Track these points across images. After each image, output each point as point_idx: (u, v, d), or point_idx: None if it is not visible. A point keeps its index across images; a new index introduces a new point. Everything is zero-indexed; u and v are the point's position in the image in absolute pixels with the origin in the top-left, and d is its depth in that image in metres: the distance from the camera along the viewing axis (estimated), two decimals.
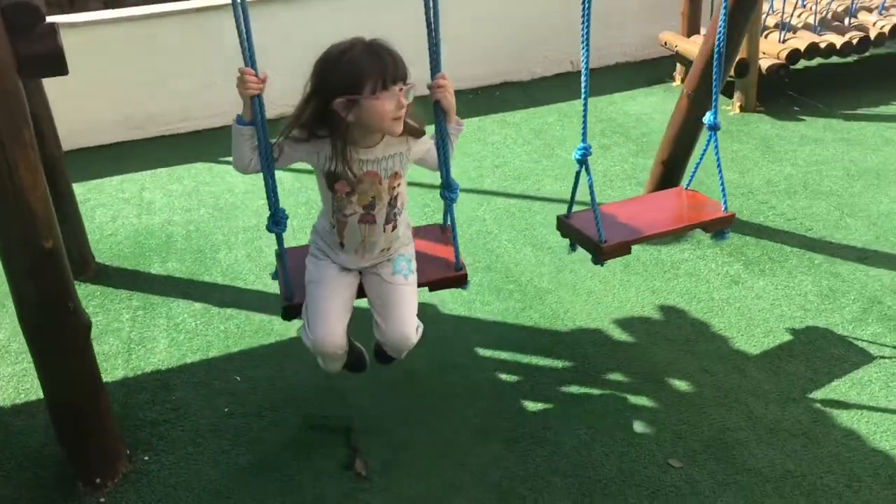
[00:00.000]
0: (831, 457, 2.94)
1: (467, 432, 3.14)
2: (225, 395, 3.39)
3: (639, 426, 3.13)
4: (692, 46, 6.28)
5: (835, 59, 6.27)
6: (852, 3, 6.20)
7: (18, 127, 2.44)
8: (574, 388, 3.34)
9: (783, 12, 6.03)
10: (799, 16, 6.22)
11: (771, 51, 5.86)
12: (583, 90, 3.06)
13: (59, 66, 2.55)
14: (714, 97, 3.32)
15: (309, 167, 2.63)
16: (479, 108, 6.25)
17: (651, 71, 6.92)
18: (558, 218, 3.34)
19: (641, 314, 3.80)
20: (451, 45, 5.89)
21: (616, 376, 3.40)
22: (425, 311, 3.83)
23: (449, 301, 3.94)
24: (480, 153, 5.52)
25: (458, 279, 2.93)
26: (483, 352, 3.59)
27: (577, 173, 3.17)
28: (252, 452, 3.09)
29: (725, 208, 3.37)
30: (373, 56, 2.36)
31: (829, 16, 6.21)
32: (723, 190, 3.39)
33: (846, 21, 6.16)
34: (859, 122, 5.72)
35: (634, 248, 3.32)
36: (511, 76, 6.80)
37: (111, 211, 4.95)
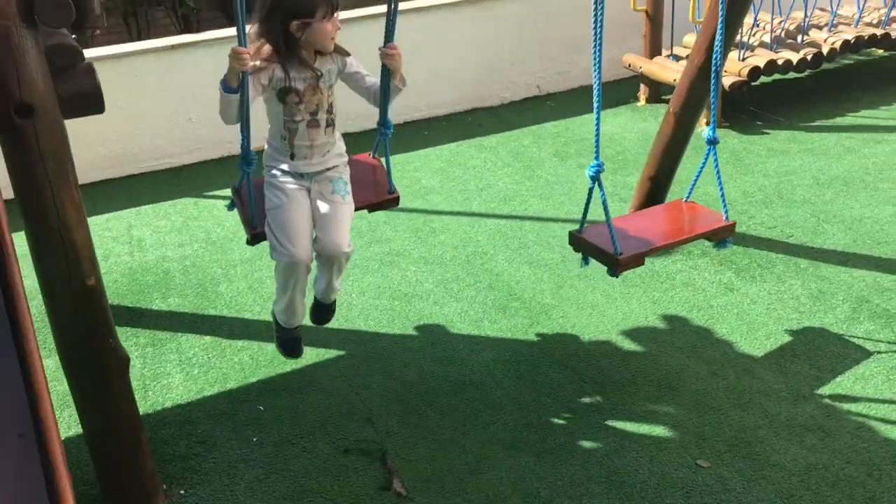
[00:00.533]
0: (849, 448, 3.09)
1: (496, 447, 3.22)
2: (251, 425, 3.40)
3: (662, 431, 3.25)
4: (656, 67, 6.53)
5: (791, 75, 6.56)
6: (804, 22, 6.52)
7: (64, 167, 2.46)
8: (594, 399, 3.45)
9: (741, 32, 6.31)
10: (755, 34, 6.51)
11: (732, 69, 6.12)
12: (595, 110, 3.14)
13: (97, 104, 2.58)
14: (712, 113, 3.49)
15: None
16: (455, 133, 6.38)
17: (615, 92, 7.13)
18: (571, 234, 3.46)
19: (646, 324, 3.93)
20: (421, 74, 6.05)
21: (632, 385, 3.52)
22: (433, 332, 3.93)
23: (457, 321, 4.01)
24: (463, 177, 5.63)
25: (392, 200, 3.37)
26: (498, 369, 3.67)
27: (591, 189, 3.28)
28: (288, 480, 3.11)
29: (726, 218, 3.53)
30: None
31: (783, 34, 6.52)
32: (723, 200, 3.56)
33: (799, 38, 6.48)
34: (819, 133, 6.01)
35: None
36: (480, 102, 6.94)
37: (101, 250, 4.91)
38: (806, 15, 6.55)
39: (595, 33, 3.03)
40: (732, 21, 3.74)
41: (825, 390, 3.41)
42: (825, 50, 6.30)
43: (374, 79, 3.15)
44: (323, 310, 3.44)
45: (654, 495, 2.93)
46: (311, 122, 3.02)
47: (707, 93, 4.21)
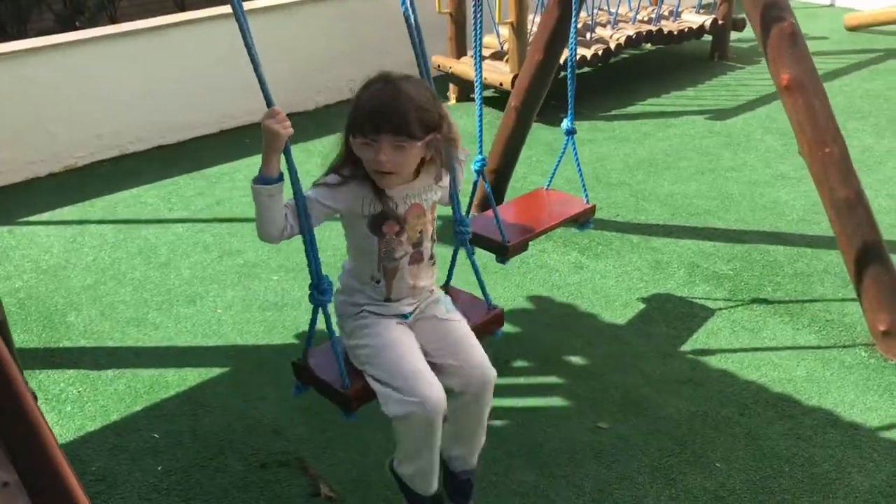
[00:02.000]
0: (719, 394, 3.50)
1: None
2: (150, 455, 3.24)
3: (559, 401, 3.50)
4: (465, 67, 6.84)
5: (584, 70, 7.14)
6: (592, 20, 7.12)
7: None
8: None
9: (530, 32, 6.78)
10: None
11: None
12: (477, 106, 3.30)
13: None
14: (569, 105, 3.77)
15: None
16: None
17: None
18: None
19: (515, 307, 4.18)
20: (236, 80, 5.93)
21: (517, 363, 3.74)
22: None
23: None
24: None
25: (496, 318, 2.80)
26: None
27: (475, 182, 3.44)
28: (210, 502, 3.00)
29: (587, 201, 3.85)
30: (373, 100, 2.24)
31: None
32: (583, 185, 3.87)
33: (588, 36, 7.06)
34: (619, 121, 6.60)
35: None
36: (296, 107, 6.91)
37: None
38: (591, 14, 7.15)
39: (476, 32, 3.17)
40: (569, 17, 4.06)
41: (685, 347, 3.82)
42: (612, 45, 6.92)
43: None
44: (464, 485, 2.67)
45: (569, 459, 3.16)
46: (414, 256, 2.42)
47: (544, 87, 4.55)
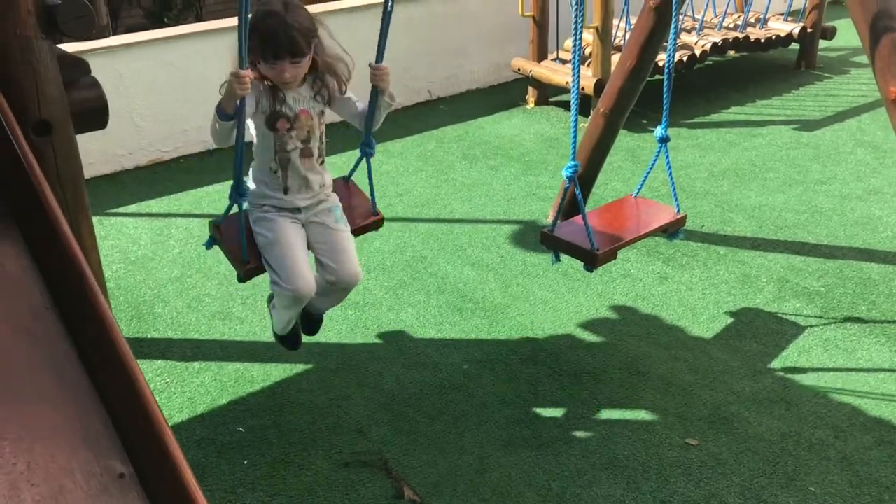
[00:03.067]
0: (812, 415, 3.39)
1: (495, 445, 3.28)
2: (236, 448, 3.28)
3: (645, 414, 3.43)
4: (546, 71, 6.79)
5: None
6: (678, 25, 6.98)
7: (80, 188, 2.30)
8: (573, 390, 3.58)
9: (614, 36, 6.69)
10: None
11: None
12: (572, 117, 3.26)
13: (102, 119, 2.43)
14: (665, 112, 3.71)
15: None
16: (357, 140, 6.33)
17: (502, 95, 7.36)
18: (542, 232, 3.57)
19: (598, 316, 4.12)
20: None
21: (604, 374, 3.68)
22: (396, 338, 3.94)
23: (417, 326, 4.04)
24: (380, 183, 5.57)
25: (377, 222, 3.36)
26: (474, 369, 3.73)
27: (567, 189, 3.40)
28: (294, 499, 3.02)
29: (678, 210, 3.77)
30: (269, 32, 2.70)
31: None
32: (674, 194, 3.79)
33: None
34: (702, 129, 6.48)
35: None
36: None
37: None
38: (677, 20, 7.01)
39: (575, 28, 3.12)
40: (667, 23, 3.98)
41: (775, 364, 3.72)
42: (698, 52, 6.78)
43: (363, 104, 3.08)
44: (316, 323, 3.40)
45: (657, 476, 3.09)
46: (303, 151, 2.93)
47: (634, 93, 4.48)
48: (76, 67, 2.32)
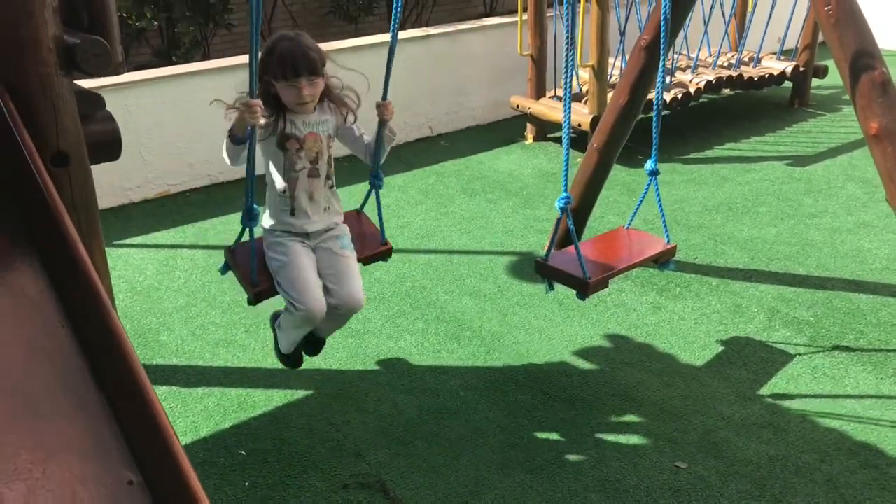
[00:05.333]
0: (800, 440, 3.48)
1: (490, 468, 3.37)
2: (237, 471, 3.37)
3: (637, 439, 3.52)
4: (544, 108, 6.97)
5: (663, 112, 7.17)
6: (673, 64, 7.18)
7: (94, 216, 2.43)
8: (566, 415, 3.67)
9: (610, 74, 6.87)
10: None
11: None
12: (564, 149, 3.39)
13: (115, 151, 2.56)
14: (654, 146, 3.85)
15: None
16: (361, 174, 6.48)
17: (501, 132, 7.53)
18: (536, 261, 3.69)
19: (592, 344, 4.22)
20: None
21: (597, 401, 3.78)
22: (395, 365, 4.04)
23: (416, 353, 4.14)
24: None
25: (386, 252, 3.49)
26: (470, 395, 3.82)
27: (559, 220, 3.53)
28: None
29: (668, 241, 3.89)
30: (287, 53, 2.93)
31: None
32: (664, 226, 3.92)
33: (668, 80, 7.12)
34: (697, 164, 6.62)
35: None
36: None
37: None
38: (672, 59, 7.21)
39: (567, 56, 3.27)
40: (656, 64, 4.13)
41: (764, 391, 3.81)
42: (692, 90, 6.96)
43: (369, 136, 3.28)
44: (320, 343, 3.53)
45: (647, 498, 3.18)
46: (311, 171, 3.10)
47: (627, 129, 4.63)
48: (92, 102, 2.46)
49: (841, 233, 5.40)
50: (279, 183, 3.12)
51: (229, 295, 4.74)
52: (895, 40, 9.77)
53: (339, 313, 3.21)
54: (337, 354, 4.13)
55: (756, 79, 7.40)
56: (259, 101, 2.78)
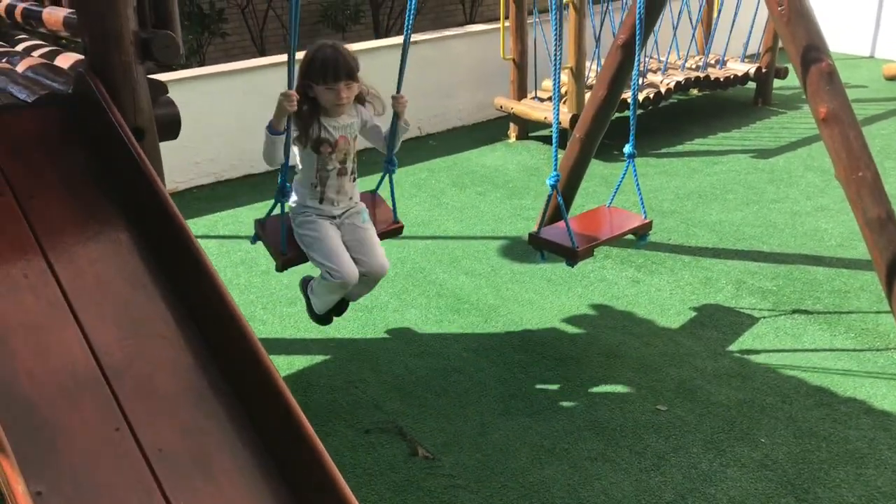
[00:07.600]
0: (764, 385, 3.96)
1: (494, 414, 3.81)
2: None
3: (622, 388, 3.98)
4: (526, 108, 7.45)
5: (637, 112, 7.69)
6: (644, 66, 7.70)
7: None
8: (558, 371, 4.13)
9: (587, 77, 7.37)
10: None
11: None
12: (554, 122, 3.85)
13: (175, 131, 2.99)
14: (631, 131, 4.33)
15: None
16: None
17: (485, 131, 8.00)
18: (530, 234, 4.16)
19: (579, 313, 4.68)
20: None
21: (585, 358, 4.24)
22: (403, 334, 4.48)
23: (420, 323, 4.58)
24: None
25: (399, 228, 3.91)
26: (472, 356, 4.27)
27: (549, 196, 3.99)
28: None
29: (645, 216, 4.37)
30: (328, 59, 3.30)
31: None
32: (641, 202, 4.39)
33: (640, 81, 7.63)
34: (669, 158, 7.14)
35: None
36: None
37: None
38: (644, 61, 7.72)
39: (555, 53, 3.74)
40: (633, 59, 4.62)
41: (733, 347, 4.30)
42: (663, 89, 7.48)
43: (385, 128, 3.69)
44: (346, 305, 3.89)
45: (632, 434, 3.64)
46: (340, 170, 3.50)
47: (606, 120, 5.12)
48: (156, 88, 2.88)
49: (801, 215, 5.92)
50: (311, 179, 3.47)
51: (244, 277, 5.15)
52: (842, 43, 10.42)
53: (368, 279, 3.61)
54: (349, 325, 4.55)
55: (722, 80, 7.94)
56: (295, 92, 3.18)
